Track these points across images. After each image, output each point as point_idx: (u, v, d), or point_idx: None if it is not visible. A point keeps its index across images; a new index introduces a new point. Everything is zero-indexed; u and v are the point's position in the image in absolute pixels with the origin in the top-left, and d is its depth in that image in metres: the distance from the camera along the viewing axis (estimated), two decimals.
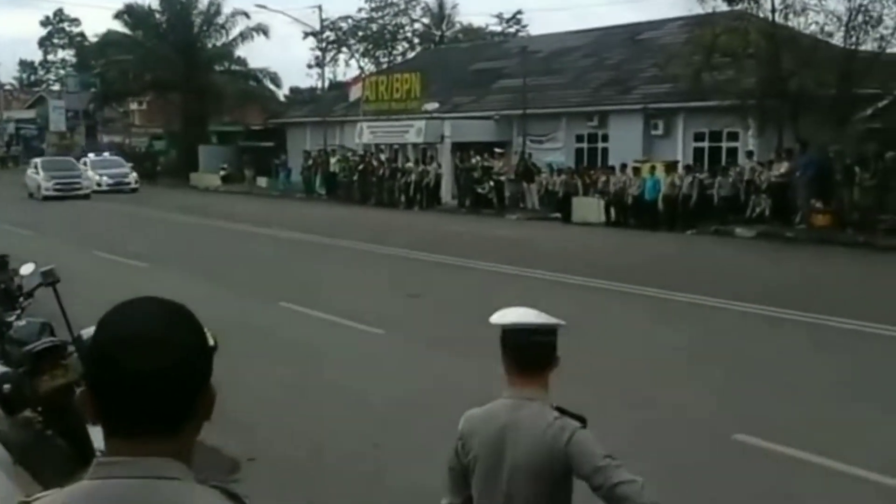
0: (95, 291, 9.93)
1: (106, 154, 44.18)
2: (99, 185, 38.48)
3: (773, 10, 24.07)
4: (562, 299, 13.47)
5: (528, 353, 2.98)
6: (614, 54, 34.61)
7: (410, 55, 55.47)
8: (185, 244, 20.75)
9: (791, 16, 24.17)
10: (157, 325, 1.47)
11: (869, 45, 23.50)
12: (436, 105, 35.25)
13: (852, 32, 23.29)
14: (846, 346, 10.17)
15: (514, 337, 2.98)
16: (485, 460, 2.98)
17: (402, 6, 58.12)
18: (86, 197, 35.01)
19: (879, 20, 23.09)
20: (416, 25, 59.59)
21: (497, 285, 14.72)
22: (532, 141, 31.73)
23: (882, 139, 22.40)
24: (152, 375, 1.44)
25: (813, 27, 24.27)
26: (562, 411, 2.94)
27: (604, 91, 31.85)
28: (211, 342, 1.58)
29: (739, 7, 24.83)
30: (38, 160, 39.13)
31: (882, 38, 23.25)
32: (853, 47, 23.38)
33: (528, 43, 39.10)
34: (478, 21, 59.57)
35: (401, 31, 59.15)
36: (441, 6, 58.42)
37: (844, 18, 23.40)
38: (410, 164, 32.58)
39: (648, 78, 30.40)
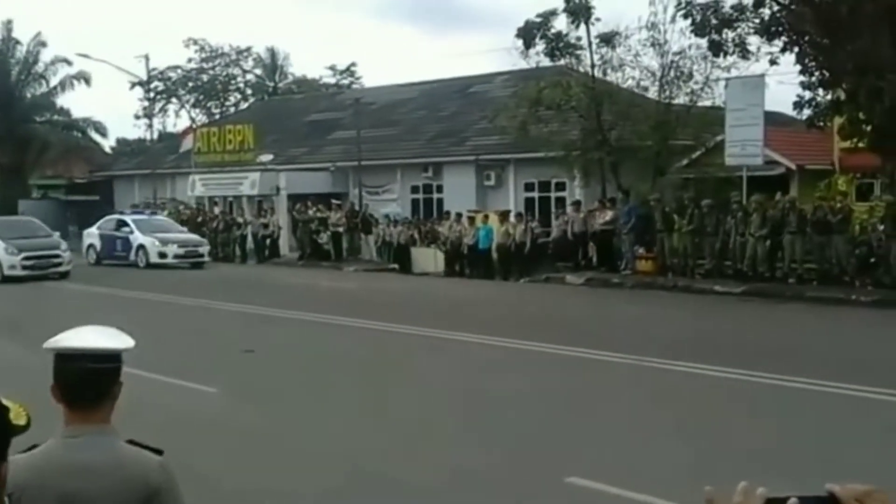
0: None
1: (146, 213, 32.63)
2: (162, 256, 28.19)
3: (593, 66, 25.36)
4: (392, 347, 13.53)
5: (83, 383, 2.55)
6: (446, 107, 35.44)
7: (243, 106, 54.87)
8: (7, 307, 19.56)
9: (609, 71, 25.56)
10: None
11: (682, 99, 25.09)
12: (270, 157, 34.96)
13: (666, 87, 24.83)
14: (670, 386, 10.63)
15: (67, 364, 2.54)
16: None
17: (234, 57, 57.51)
18: (63, 276, 24.96)
19: (690, 75, 24.72)
20: (249, 76, 59.07)
21: (334, 337, 14.62)
22: (368, 192, 31.93)
23: (697, 188, 23.85)
24: None
25: (630, 82, 25.75)
26: (135, 443, 2.65)
27: (437, 143, 32.52)
28: (21, 421, 1.48)
29: (562, 62, 26.02)
30: None
31: (693, 92, 24.88)
32: (667, 101, 24.89)
33: (363, 94, 39.49)
34: (312, 72, 59.44)
35: (233, 81, 58.42)
36: (273, 57, 58.18)
37: (658, 74, 24.93)
38: (250, 217, 32.11)
39: (480, 130, 31.28)
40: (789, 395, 9.95)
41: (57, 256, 25.09)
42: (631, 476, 7.20)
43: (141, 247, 28.63)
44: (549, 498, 6.93)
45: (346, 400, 10.15)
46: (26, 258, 24.39)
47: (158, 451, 2.67)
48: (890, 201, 18.58)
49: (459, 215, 26.21)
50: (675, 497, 6.58)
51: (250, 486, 7.30)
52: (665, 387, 10.61)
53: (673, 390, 10.42)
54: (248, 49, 57.72)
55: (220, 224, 32.33)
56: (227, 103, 57.92)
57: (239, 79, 58.76)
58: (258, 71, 58.99)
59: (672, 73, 24.80)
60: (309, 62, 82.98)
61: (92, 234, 30.79)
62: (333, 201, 30.53)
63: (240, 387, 11.00)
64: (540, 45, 25.50)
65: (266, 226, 30.84)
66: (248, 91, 58.71)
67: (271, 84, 58.38)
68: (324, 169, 33.86)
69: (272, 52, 58.02)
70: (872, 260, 18.57)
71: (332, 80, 58.15)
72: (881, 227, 18.29)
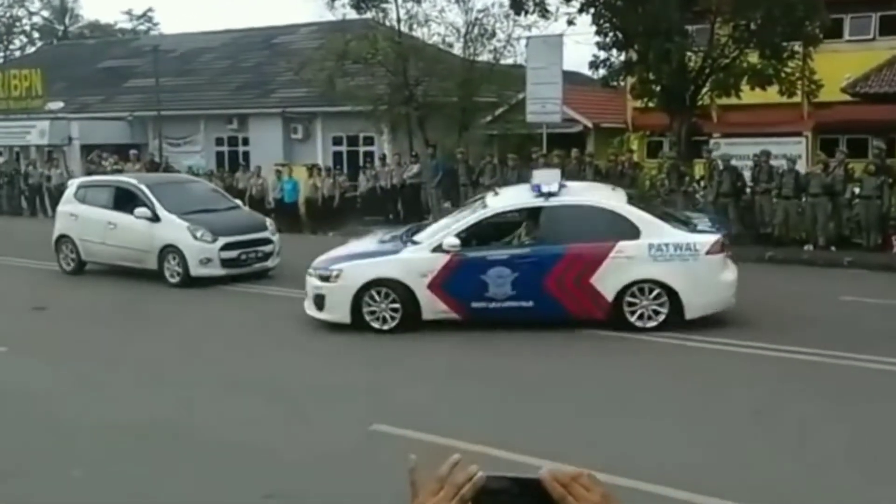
0: None
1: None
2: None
3: (399, 20, 25.41)
4: (194, 307, 13.28)
5: None
6: (251, 57, 34.53)
7: (30, 51, 51.29)
8: None
9: (416, 26, 25.67)
10: None
11: (485, 57, 25.60)
12: (61, 104, 32.95)
13: (470, 44, 25.25)
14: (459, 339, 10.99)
15: None
16: None
17: None
18: (265, 273, 15.66)
19: (493, 34, 25.24)
20: (36, 19, 55.23)
21: (132, 293, 14.13)
22: (170, 144, 30.75)
23: (500, 144, 24.49)
24: None
25: (436, 38, 25.98)
26: None
27: (242, 94, 31.68)
28: None
29: (368, 16, 25.91)
30: (134, 183, 16.24)
31: (496, 50, 25.44)
32: (472, 58, 25.34)
33: (161, 42, 37.80)
34: (105, 17, 56.34)
35: (17, 24, 54.47)
36: None
37: (463, 31, 25.31)
38: (31, 168, 30.15)
39: (286, 82, 30.72)
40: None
41: (266, 243, 15.74)
42: (437, 422, 7.45)
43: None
44: (354, 445, 7.07)
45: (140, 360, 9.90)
46: (228, 247, 15.02)
47: None
48: (672, 157, 19.82)
49: (259, 168, 25.67)
50: (478, 439, 6.88)
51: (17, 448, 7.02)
52: (461, 343, 10.97)
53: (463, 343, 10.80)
54: None
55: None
56: (12, 47, 54.08)
57: (25, 21, 54.90)
58: (46, 13, 55.27)
59: (476, 31, 25.23)
60: (102, 6, 78.47)
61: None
62: (132, 152, 29.18)
63: (31, 346, 10.50)
64: None
65: (49, 178, 28.81)
66: (35, 35, 55.01)
67: (60, 28, 54.88)
68: (120, 118, 32.31)
69: None
70: None
71: (129, 26, 55.36)
72: (667, 183, 19.48)
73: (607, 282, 10.41)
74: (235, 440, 7.14)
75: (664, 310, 10.37)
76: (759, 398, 8.09)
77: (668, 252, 10.35)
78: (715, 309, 10.51)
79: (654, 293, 10.35)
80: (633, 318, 10.43)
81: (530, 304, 10.59)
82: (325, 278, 11.14)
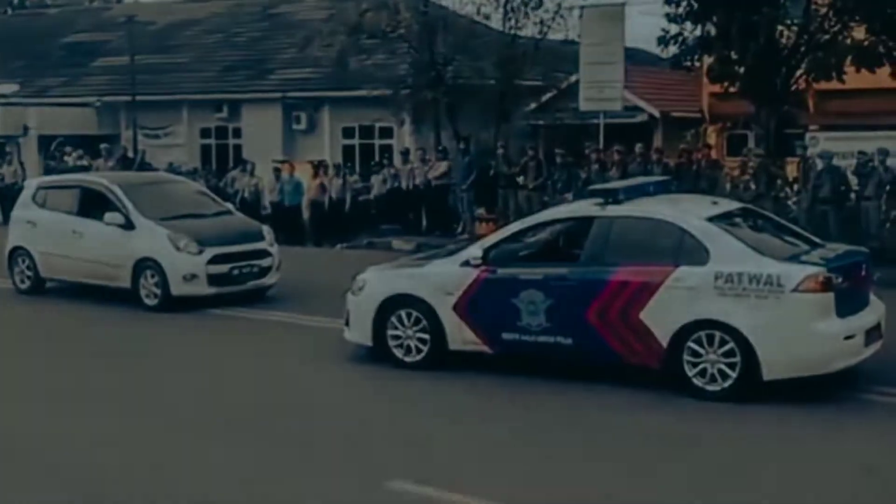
0: None
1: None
2: None
3: None
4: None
5: None
6: (245, 31, 34.87)
7: None
8: None
9: None
10: None
11: (529, 31, 25.56)
12: (15, 87, 33.42)
13: (511, 15, 25.23)
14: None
15: None
16: None
17: None
18: (262, 292, 15.36)
19: (540, 2, 25.21)
20: None
21: (95, 319, 14.27)
22: (146, 135, 31.06)
23: (548, 136, 24.45)
24: None
25: (469, 7, 26.01)
26: None
27: (234, 75, 31.96)
28: None
29: None
30: (104, 183, 15.88)
31: (542, 22, 25.41)
32: (513, 32, 25.32)
33: (137, 12, 38.25)
34: None
35: None
36: None
37: None
38: None
39: (287, 61, 30.98)
40: None
41: (262, 255, 15.32)
42: (462, 480, 7.42)
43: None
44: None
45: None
46: (217, 260, 14.75)
47: None
48: (760, 154, 19.63)
49: (254, 165, 25.51)
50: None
51: None
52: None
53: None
54: None
55: None
56: None
57: None
58: None
59: None
60: None
61: None
62: (103, 146, 29.37)
63: None
64: None
65: (0, 177, 28.94)
66: None
67: None
68: (87, 104, 32.67)
69: None
70: None
71: None
72: (753, 186, 19.28)
73: (661, 319, 9.29)
74: (226, 498, 7.16)
75: (733, 373, 8.98)
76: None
77: (739, 285, 9.01)
78: (808, 370, 9.02)
79: (726, 347, 9.00)
80: (692, 374, 9.17)
81: (569, 340, 9.80)
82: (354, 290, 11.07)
